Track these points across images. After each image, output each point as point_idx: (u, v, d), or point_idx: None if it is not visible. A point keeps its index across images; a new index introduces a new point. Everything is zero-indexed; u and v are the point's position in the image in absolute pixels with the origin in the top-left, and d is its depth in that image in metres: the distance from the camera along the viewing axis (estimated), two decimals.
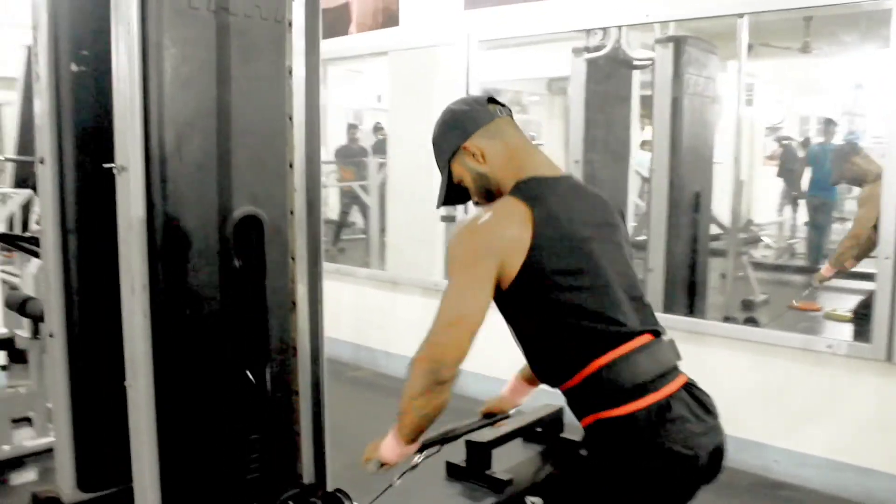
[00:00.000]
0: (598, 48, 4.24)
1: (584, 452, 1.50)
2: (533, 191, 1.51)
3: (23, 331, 3.09)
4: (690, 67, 4.13)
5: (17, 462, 3.01)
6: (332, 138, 8.87)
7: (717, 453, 1.49)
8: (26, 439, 3.06)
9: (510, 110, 1.67)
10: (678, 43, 4.05)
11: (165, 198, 2.08)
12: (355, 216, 8.62)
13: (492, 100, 1.65)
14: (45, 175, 2.52)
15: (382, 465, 1.60)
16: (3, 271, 5.46)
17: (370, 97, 9.38)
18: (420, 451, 1.63)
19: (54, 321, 2.59)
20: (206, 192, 2.15)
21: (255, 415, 2.30)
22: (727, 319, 4.17)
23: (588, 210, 1.56)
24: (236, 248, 2.23)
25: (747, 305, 5.35)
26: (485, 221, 1.47)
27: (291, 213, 2.14)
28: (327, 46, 4.47)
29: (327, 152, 8.84)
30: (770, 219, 8.81)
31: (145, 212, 2.04)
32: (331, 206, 8.31)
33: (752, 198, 8.35)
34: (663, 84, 4.07)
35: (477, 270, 1.44)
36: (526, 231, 1.44)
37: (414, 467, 1.68)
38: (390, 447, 1.58)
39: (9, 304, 3.04)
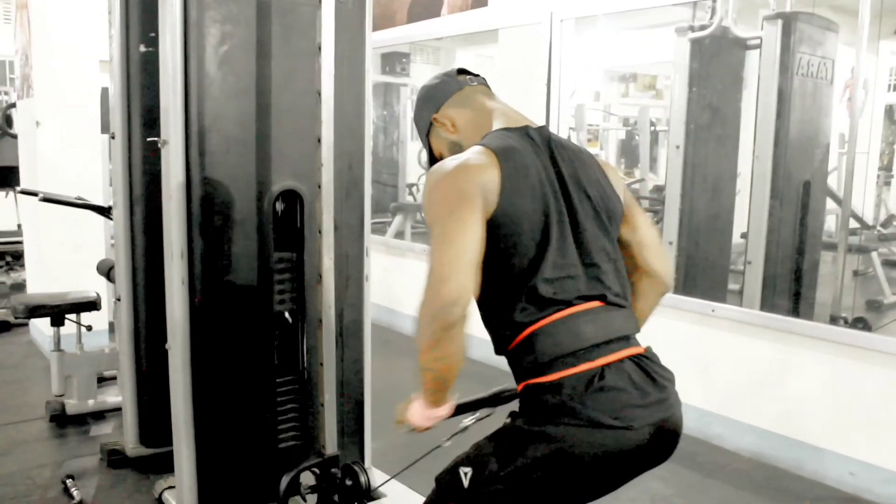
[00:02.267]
0: (703, 27, 4.01)
1: (508, 421, 1.41)
2: (499, 140, 1.44)
3: None
4: (803, 46, 3.80)
5: (99, 415, 3.26)
6: None
7: (664, 430, 1.37)
8: (110, 396, 3.30)
9: (483, 79, 1.63)
10: (788, 20, 3.74)
11: (203, 170, 2.16)
12: None
13: (462, 70, 1.62)
14: (116, 149, 2.70)
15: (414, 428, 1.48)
16: None
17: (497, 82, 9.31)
18: (458, 413, 1.51)
19: (121, 286, 2.78)
20: (244, 165, 2.22)
21: (283, 385, 2.37)
22: (833, 320, 3.85)
23: (560, 162, 1.46)
24: (274, 221, 2.30)
25: (873, 306, 4.90)
26: (462, 163, 1.38)
27: (319, 187, 2.17)
28: (413, 30, 4.54)
29: None
30: None
31: (185, 183, 2.14)
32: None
33: None
34: (770, 64, 3.78)
35: (466, 208, 1.33)
36: (496, 177, 1.37)
37: (465, 429, 1.55)
38: (417, 411, 1.45)
39: (98, 270, 3.29)
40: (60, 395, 3.20)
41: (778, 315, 3.42)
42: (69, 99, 3.75)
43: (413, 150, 8.17)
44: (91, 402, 3.27)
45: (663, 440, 1.38)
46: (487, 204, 1.35)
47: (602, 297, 1.42)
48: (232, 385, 2.29)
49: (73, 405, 3.24)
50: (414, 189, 8.41)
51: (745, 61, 4.44)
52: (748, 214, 3.98)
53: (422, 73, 9.53)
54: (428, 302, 1.29)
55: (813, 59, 3.88)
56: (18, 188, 3.05)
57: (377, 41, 4.86)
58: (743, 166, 4.52)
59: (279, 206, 2.31)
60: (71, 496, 2.56)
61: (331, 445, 2.26)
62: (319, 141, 2.14)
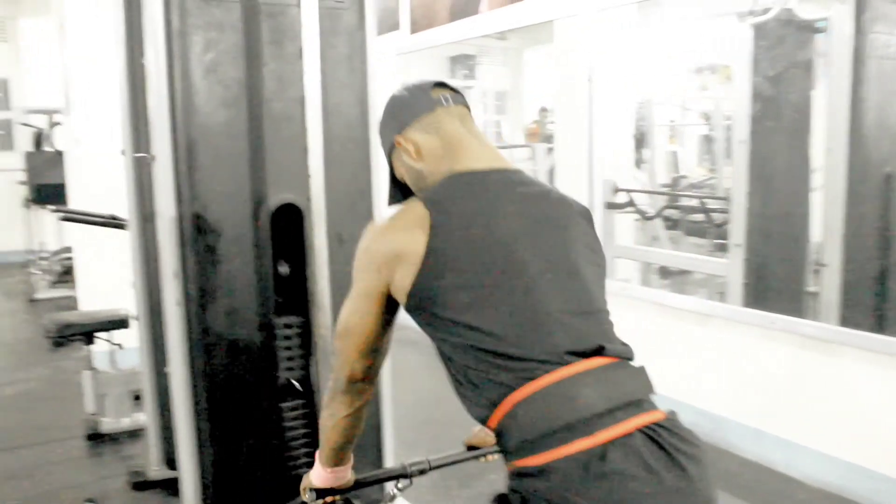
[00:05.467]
0: (765, 11, 3.69)
1: None
2: (446, 189, 1.27)
3: None
4: (878, 25, 3.44)
5: (135, 434, 3.23)
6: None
7: None
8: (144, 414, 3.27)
9: (462, 97, 1.40)
10: None
11: (193, 186, 2.06)
12: None
13: (440, 84, 1.39)
14: (127, 165, 2.65)
15: (320, 495, 1.45)
16: None
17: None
18: (358, 487, 1.50)
19: (140, 305, 2.73)
20: (237, 179, 2.11)
21: (291, 409, 2.25)
22: None
23: (526, 208, 1.26)
24: (274, 237, 2.18)
25: None
26: (379, 227, 1.27)
27: (308, 198, 2.03)
28: (447, 31, 4.35)
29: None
30: None
31: (175, 200, 2.05)
32: None
33: None
34: (841, 47, 3.44)
35: (364, 282, 1.27)
36: (418, 238, 1.20)
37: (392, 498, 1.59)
38: (315, 471, 1.46)
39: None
40: (95, 414, 3.19)
41: (847, 329, 3.07)
42: (107, 115, 3.76)
43: None
44: (126, 420, 3.25)
45: None
46: (399, 272, 1.22)
47: (601, 350, 1.17)
48: (237, 409, 2.19)
49: (107, 424, 3.23)
50: None
51: (813, 46, 4.09)
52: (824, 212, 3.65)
53: (489, 75, 9.36)
54: (334, 368, 1.34)
55: (892, 38, 3.51)
56: (51, 208, 3.05)
57: (416, 44, 4.76)
58: (821, 160, 4.15)
59: (280, 221, 2.19)
60: None
61: None
62: (306, 150, 2.01)
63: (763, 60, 3.83)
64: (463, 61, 8.55)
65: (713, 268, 4.41)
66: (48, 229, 6.81)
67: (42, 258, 6.57)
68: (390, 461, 2.44)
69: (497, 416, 1.15)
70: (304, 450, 2.29)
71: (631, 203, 5.40)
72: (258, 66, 2.10)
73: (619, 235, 4.31)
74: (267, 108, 2.12)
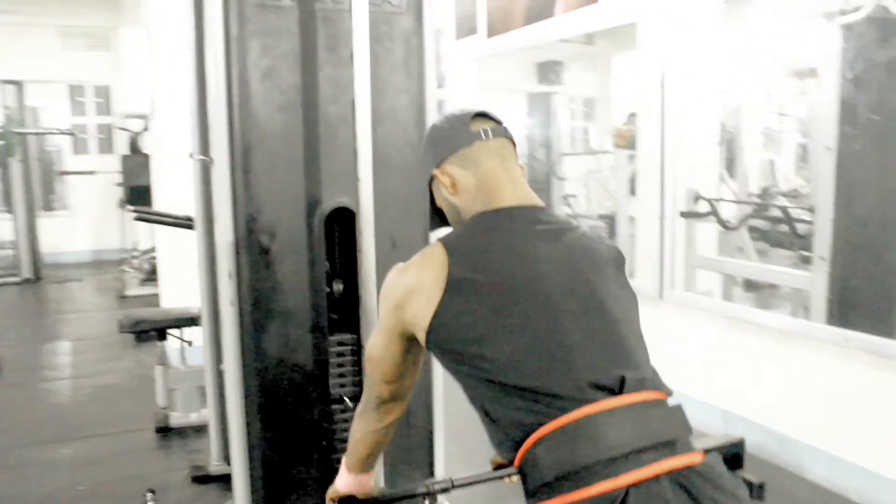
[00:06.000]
0: (856, 9, 3.50)
1: None
2: (469, 230, 1.28)
3: None
4: None
5: (200, 429, 3.32)
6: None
7: None
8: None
9: (504, 129, 1.36)
10: None
11: (248, 188, 2.10)
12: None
13: (481, 115, 1.35)
14: (195, 168, 2.73)
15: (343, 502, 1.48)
16: None
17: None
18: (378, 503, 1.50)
19: (204, 304, 2.80)
20: (292, 182, 2.13)
21: (342, 412, 2.26)
22: None
23: (549, 243, 1.23)
24: (328, 240, 2.19)
25: None
26: (399, 269, 1.28)
27: (357, 202, 2.04)
28: (514, 37, 4.28)
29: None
30: None
31: (231, 202, 2.09)
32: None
33: None
34: None
35: (385, 319, 1.29)
36: (435, 280, 1.20)
37: None
38: (340, 476, 1.51)
39: None
40: (165, 408, 3.30)
41: None
42: (185, 120, 3.88)
43: (569, 160, 7.90)
44: (194, 415, 3.35)
45: None
46: (417, 311, 1.22)
47: (627, 383, 1.11)
48: (287, 407, 2.21)
49: (176, 418, 3.34)
50: (571, 199, 8.12)
51: None
52: None
53: (578, 81, 9.24)
54: (365, 386, 1.40)
55: None
56: (130, 208, 3.18)
57: (492, 48, 4.74)
58: None
59: (335, 225, 2.21)
60: None
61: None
62: (355, 154, 2.01)
63: (853, 62, 3.64)
64: (551, 67, 8.48)
65: (795, 281, 4.21)
66: (141, 229, 7.12)
67: (133, 257, 6.88)
68: (441, 472, 2.42)
69: (519, 457, 1.11)
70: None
71: (713, 212, 5.21)
72: (314, 71, 2.13)
73: (700, 245, 4.17)
74: (323, 112, 2.14)
